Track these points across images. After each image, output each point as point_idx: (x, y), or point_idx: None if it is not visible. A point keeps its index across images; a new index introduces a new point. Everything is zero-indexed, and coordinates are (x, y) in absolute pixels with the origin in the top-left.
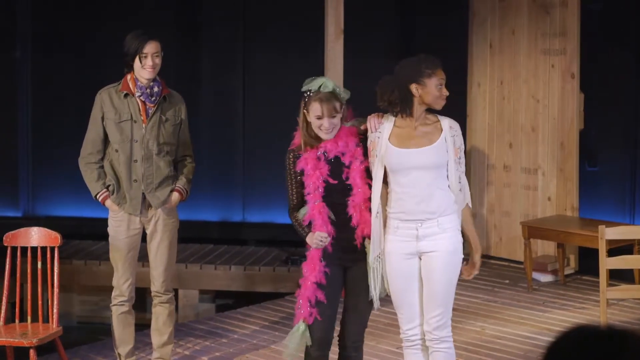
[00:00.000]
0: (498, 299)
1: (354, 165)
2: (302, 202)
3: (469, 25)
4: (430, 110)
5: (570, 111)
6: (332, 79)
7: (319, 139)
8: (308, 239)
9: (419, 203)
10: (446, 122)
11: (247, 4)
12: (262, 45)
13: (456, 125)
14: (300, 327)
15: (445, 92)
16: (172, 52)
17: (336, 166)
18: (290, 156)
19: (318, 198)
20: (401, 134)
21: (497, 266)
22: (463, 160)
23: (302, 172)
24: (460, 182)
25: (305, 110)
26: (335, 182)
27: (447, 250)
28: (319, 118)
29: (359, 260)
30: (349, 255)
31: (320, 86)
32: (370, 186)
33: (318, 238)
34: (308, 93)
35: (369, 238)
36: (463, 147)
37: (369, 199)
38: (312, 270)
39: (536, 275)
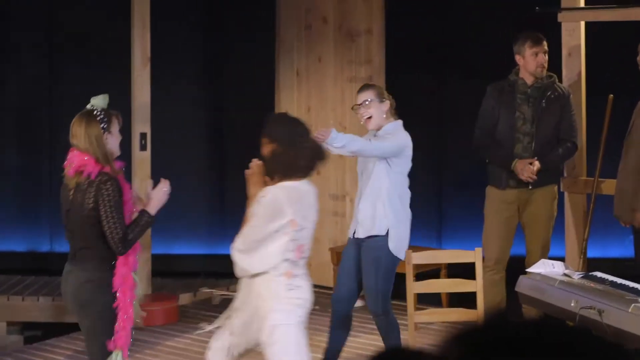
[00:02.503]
0: (309, 325)
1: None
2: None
3: (275, 53)
4: None
5: None
6: (139, 107)
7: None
8: None
9: None
10: None
11: (54, 30)
12: (69, 75)
13: None
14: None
15: None
16: None
17: None
18: (108, 184)
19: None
20: None
21: None
22: None
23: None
24: None
25: (105, 126)
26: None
27: None
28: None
29: None
30: None
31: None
32: None
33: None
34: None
35: None
36: None
37: None
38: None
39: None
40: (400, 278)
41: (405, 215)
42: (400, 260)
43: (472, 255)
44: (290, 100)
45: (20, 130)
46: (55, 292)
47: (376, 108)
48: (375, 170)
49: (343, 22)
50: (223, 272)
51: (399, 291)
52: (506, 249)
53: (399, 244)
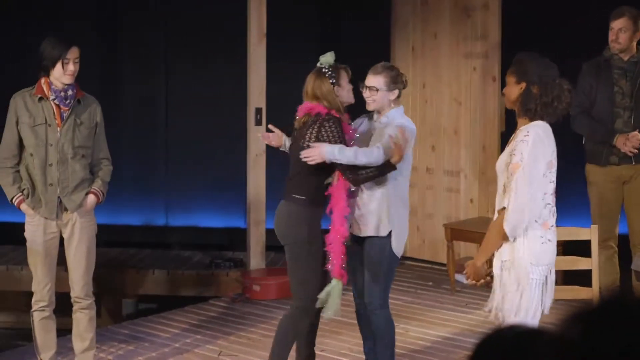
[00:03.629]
0: (421, 301)
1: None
2: None
3: (391, 29)
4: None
5: (492, 114)
6: (254, 83)
7: (344, 110)
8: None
9: None
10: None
11: (170, 10)
12: (184, 49)
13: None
14: (333, 284)
15: None
16: (95, 57)
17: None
18: (335, 124)
19: None
20: None
21: (420, 268)
22: None
23: (343, 137)
24: None
25: (334, 82)
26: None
27: None
28: (348, 84)
29: None
30: None
31: (335, 59)
32: None
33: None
34: (329, 69)
35: None
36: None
37: None
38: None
39: (459, 277)
40: None
41: (405, 214)
42: (399, 258)
43: (588, 233)
44: (406, 76)
45: (138, 107)
46: (170, 265)
47: (382, 96)
48: None
49: None
50: None
51: None
52: (614, 226)
53: (399, 244)
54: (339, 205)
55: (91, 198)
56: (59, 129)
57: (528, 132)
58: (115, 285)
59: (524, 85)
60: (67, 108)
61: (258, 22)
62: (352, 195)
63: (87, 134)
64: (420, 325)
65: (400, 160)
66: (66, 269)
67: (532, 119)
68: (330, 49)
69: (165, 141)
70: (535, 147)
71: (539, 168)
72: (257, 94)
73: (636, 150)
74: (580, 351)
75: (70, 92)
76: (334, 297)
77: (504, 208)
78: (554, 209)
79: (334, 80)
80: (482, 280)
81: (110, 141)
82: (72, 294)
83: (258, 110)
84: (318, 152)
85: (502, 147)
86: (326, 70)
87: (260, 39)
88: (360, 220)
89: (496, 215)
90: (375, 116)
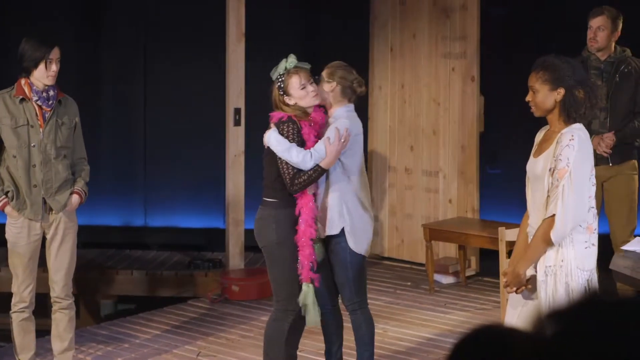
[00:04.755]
0: (400, 301)
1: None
2: None
3: (370, 29)
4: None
5: (471, 114)
6: (233, 83)
7: (306, 113)
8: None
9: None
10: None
11: (148, 8)
12: (163, 49)
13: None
14: (304, 290)
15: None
16: (73, 56)
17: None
18: (291, 126)
19: None
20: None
21: (398, 268)
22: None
23: (303, 141)
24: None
25: (282, 93)
26: None
27: None
28: (303, 87)
29: None
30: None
31: (286, 66)
32: None
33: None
34: (280, 78)
35: None
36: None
37: None
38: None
39: (438, 277)
40: (493, 255)
41: (364, 213)
42: (364, 256)
43: None
44: (385, 77)
45: (115, 106)
46: (148, 266)
47: (321, 87)
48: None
49: None
50: None
51: (492, 268)
52: None
53: (358, 242)
54: (306, 207)
55: (75, 198)
56: (41, 130)
57: (573, 136)
58: (94, 286)
59: (562, 91)
60: (49, 109)
61: (237, 22)
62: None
63: (68, 134)
64: (399, 325)
65: (332, 163)
66: (45, 270)
67: (572, 123)
68: (309, 49)
69: (144, 141)
70: (581, 151)
71: (585, 172)
72: (236, 94)
73: (610, 151)
74: (555, 351)
75: (52, 93)
76: (310, 304)
77: (553, 215)
78: (596, 211)
79: (282, 92)
80: (522, 288)
81: (88, 141)
82: (52, 294)
83: (237, 111)
84: (267, 135)
85: (481, 148)
86: (277, 80)
87: (239, 38)
88: (321, 221)
89: (530, 221)
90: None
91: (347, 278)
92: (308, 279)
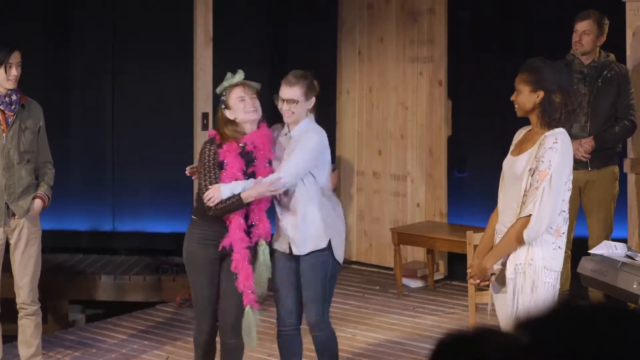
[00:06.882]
0: (369, 305)
1: (261, 162)
2: None
3: (337, 33)
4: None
5: (439, 118)
6: (200, 87)
7: (238, 133)
8: (256, 190)
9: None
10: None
11: (117, 13)
12: (132, 53)
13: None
14: (246, 311)
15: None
16: (41, 61)
17: (251, 160)
18: (210, 148)
19: None
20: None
21: (367, 272)
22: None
23: (221, 164)
24: None
25: (223, 107)
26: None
27: None
28: (242, 100)
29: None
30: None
31: (232, 82)
32: None
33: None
34: (224, 92)
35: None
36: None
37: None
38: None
39: (406, 281)
40: (462, 259)
41: (337, 218)
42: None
43: None
44: (352, 81)
45: (83, 110)
46: (116, 271)
47: (301, 107)
48: (299, 186)
49: (405, 2)
50: None
51: (459, 272)
52: (570, 232)
53: (340, 250)
54: (236, 229)
55: (38, 203)
56: (4, 134)
57: (556, 139)
58: (62, 291)
59: (541, 94)
60: (12, 113)
61: (204, 26)
62: (280, 217)
63: (31, 138)
64: (367, 329)
65: (251, 198)
66: (11, 275)
67: (553, 127)
68: (277, 53)
69: (112, 146)
70: (563, 155)
71: (564, 176)
72: (203, 99)
73: (589, 156)
74: (530, 356)
75: (14, 97)
76: (250, 328)
77: (529, 215)
78: (567, 216)
79: (224, 106)
80: (485, 282)
81: (56, 146)
82: (18, 300)
83: (204, 115)
84: (217, 194)
85: (449, 151)
86: (221, 93)
87: (207, 43)
88: (297, 239)
89: (499, 218)
90: (286, 128)
91: (321, 294)
92: (249, 302)
